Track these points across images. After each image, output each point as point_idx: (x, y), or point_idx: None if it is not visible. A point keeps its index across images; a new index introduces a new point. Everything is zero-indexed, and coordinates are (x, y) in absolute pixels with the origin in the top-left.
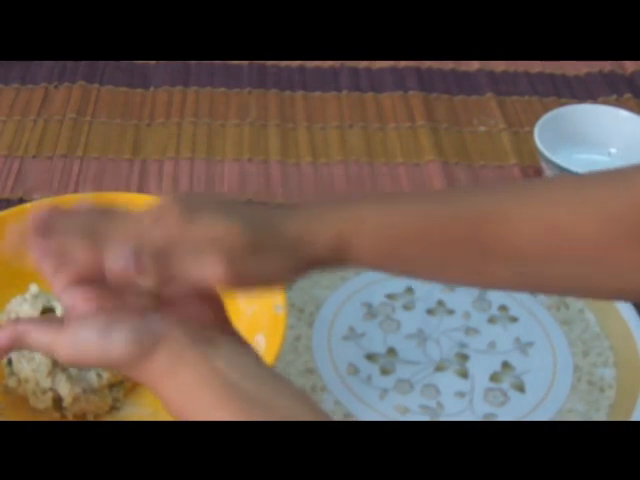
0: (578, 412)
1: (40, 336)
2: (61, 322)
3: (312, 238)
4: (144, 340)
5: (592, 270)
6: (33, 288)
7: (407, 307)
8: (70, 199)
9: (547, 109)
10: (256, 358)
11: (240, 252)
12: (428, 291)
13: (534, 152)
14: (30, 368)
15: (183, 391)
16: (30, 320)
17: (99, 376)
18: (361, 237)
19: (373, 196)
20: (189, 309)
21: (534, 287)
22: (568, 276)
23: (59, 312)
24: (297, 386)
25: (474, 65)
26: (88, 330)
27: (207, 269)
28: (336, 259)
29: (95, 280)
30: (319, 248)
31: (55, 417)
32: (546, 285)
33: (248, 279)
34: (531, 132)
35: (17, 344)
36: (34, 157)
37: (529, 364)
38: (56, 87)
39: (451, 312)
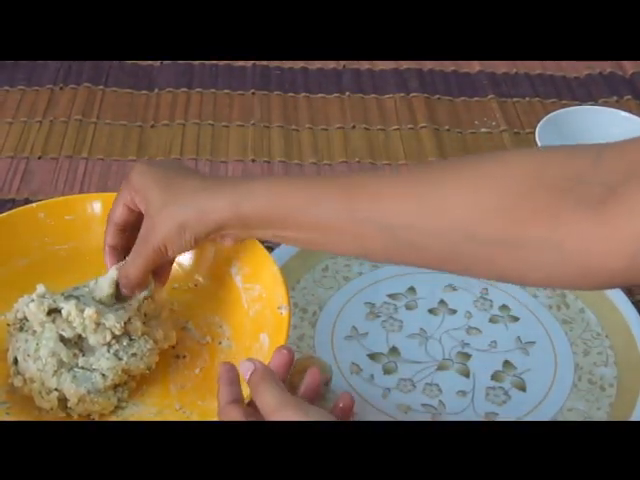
0: (579, 411)
1: (271, 393)
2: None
3: (213, 207)
4: None
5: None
6: (40, 288)
7: (409, 307)
8: (76, 200)
9: (548, 110)
10: None
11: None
12: (430, 291)
13: None
14: (36, 368)
15: None
16: (270, 374)
17: (104, 377)
18: (249, 201)
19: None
20: None
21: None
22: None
23: (65, 312)
24: None
25: (475, 67)
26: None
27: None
28: (237, 225)
29: None
30: (218, 216)
31: (60, 417)
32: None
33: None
34: (532, 133)
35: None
36: (40, 158)
37: (530, 363)
38: (61, 89)
39: (453, 311)
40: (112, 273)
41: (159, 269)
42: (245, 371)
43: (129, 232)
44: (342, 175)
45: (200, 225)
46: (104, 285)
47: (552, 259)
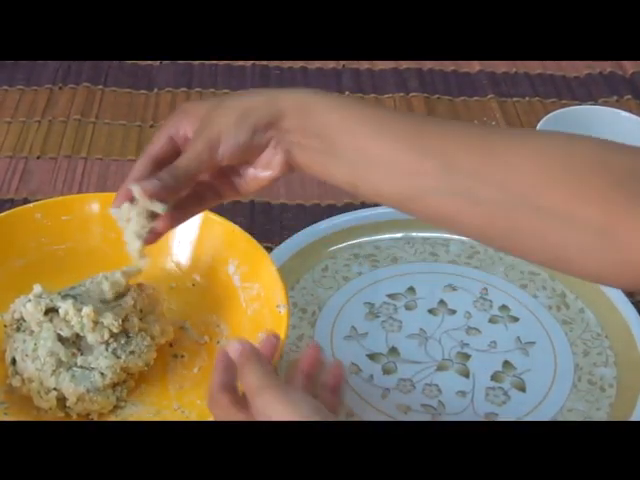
0: (579, 411)
1: (255, 371)
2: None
3: (279, 95)
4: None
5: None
6: (36, 288)
7: (409, 307)
8: (73, 200)
9: (548, 110)
10: None
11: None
12: (430, 291)
13: None
14: (34, 368)
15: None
16: (256, 352)
17: (102, 375)
18: (322, 104)
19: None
20: None
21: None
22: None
23: (62, 312)
24: None
25: (475, 67)
26: (304, 400)
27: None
28: (297, 115)
29: None
30: (283, 102)
31: (59, 416)
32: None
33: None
34: None
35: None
36: (38, 158)
37: (530, 364)
38: (60, 88)
39: (452, 312)
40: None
41: (181, 209)
42: (233, 352)
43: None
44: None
45: (265, 109)
46: (103, 284)
47: (598, 246)
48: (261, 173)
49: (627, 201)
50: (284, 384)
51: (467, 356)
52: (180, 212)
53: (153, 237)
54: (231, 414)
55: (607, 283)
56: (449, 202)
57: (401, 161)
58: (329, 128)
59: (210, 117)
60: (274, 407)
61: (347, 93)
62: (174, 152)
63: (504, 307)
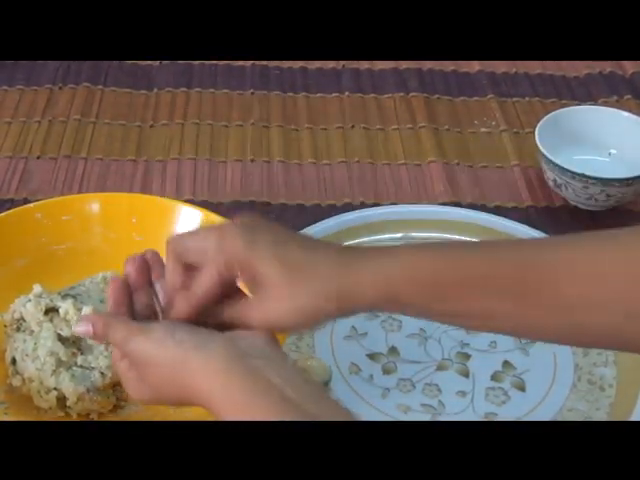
0: (578, 411)
1: (119, 329)
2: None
3: (357, 281)
4: (200, 340)
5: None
6: (36, 288)
7: None
8: (73, 200)
9: (548, 110)
10: (301, 372)
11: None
12: None
13: (535, 153)
14: (34, 367)
15: (238, 403)
16: (116, 315)
17: (103, 375)
18: (407, 283)
19: (410, 245)
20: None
21: (575, 338)
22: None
23: (62, 311)
24: (340, 403)
25: (475, 66)
26: (158, 327)
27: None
28: (385, 304)
29: None
30: (365, 293)
31: (59, 416)
32: (588, 335)
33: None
34: (532, 133)
35: (99, 333)
36: (38, 158)
37: (530, 363)
38: (60, 89)
39: None
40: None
41: None
42: (85, 332)
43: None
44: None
45: (343, 305)
46: (102, 284)
47: None
48: None
49: None
50: (143, 326)
51: (467, 356)
52: None
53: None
54: (120, 370)
55: None
56: (562, 332)
57: (504, 316)
58: (439, 292)
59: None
60: (138, 351)
61: (347, 93)
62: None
63: None
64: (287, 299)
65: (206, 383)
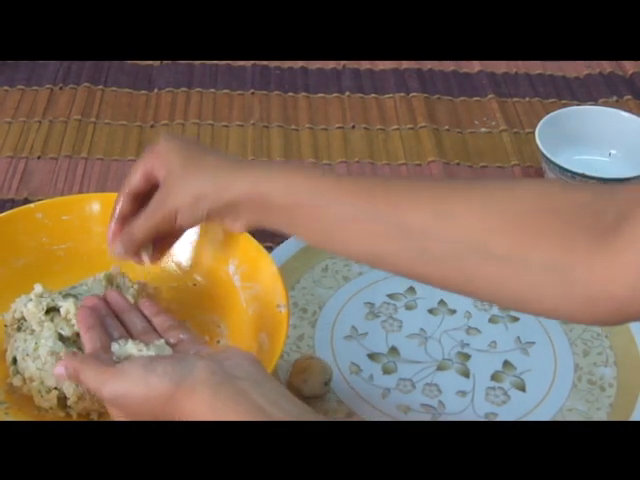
0: (579, 411)
1: (90, 375)
2: (110, 362)
3: (232, 183)
4: (184, 370)
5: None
6: (37, 288)
7: (409, 307)
8: (73, 200)
9: (548, 110)
10: (284, 390)
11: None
12: (430, 291)
13: (535, 153)
14: (35, 367)
15: None
16: (84, 359)
17: None
18: (268, 182)
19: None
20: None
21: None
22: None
23: (63, 311)
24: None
25: (475, 67)
26: (134, 365)
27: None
28: (251, 206)
29: None
30: (235, 192)
31: (60, 416)
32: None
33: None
34: (532, 133)
35: (72, 378)
36: (39, 158)
37: (530, 363)
38: (61, 89)
39: (452, 312)
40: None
41: (162, 241)
42: (60, 375)
43: (139, 203)
44: (358, 175)
45: (216, 198)
46: (101, 282)
47: (556, 285)
48: (230, 227)
49: (583, 235)
50: (113, 367)
51: (467, 356)
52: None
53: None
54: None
55: (566, 319)
56: (407, 262)
57: (356, 228)
58: (284, 207)
59: (172, 186)
60: (120, 391)
61: (347, 93)
62: (150, 186)
63: (504, 308)
64: (183, 186)
65: (193, 410)
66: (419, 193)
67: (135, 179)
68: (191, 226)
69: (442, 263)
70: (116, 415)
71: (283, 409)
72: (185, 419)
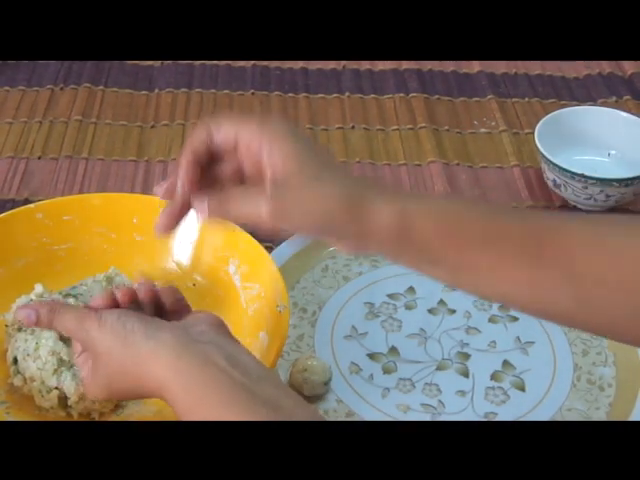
0: (578, 411)
1: (68, 315)
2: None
3: (374, 210)
4: (148, 328)
5: None
6: (38, 288)
7: (408, 307)
8: (74, 200)
9: (547, 111)
10: (253, 356)
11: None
12: (429, 291)
13: (534, 153)
14: (35, 367)
15: (191, 391)
16: (58, 306)
17: None
18: (424, 217)
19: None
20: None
21: (588, 317)
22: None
23: None
24: (283, 384)
25: (475, 67)
26: (109, 313)
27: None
28: (396, 232)
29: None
30: (379, 221)
31: (60, 416)
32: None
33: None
34: (531, 134)
35: (45, 319)
36: (40, 158)
37: (529, 363)
38: (61, 89)
39: (452, 311)
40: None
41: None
42: (26, 317)
43: (200, 168)
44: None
45: (350, 220)
46: (101, 282)
47: None
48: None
49: None
50: (91, 312)
51: (467, 356)
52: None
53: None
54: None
55: None
56: (579, 310)
57: (517, 276)
58: (437, 249)
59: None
60: (94, 337)
61: (347, 94)
62: (225, 154)
63: (503, 307)
64: (302, 200)
65: (158, 372)
66: (589, 232)
67: (223, 133)
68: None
69: (622, 311)
70: (85, 368)
71: (245, 371)
72: (149, 380)
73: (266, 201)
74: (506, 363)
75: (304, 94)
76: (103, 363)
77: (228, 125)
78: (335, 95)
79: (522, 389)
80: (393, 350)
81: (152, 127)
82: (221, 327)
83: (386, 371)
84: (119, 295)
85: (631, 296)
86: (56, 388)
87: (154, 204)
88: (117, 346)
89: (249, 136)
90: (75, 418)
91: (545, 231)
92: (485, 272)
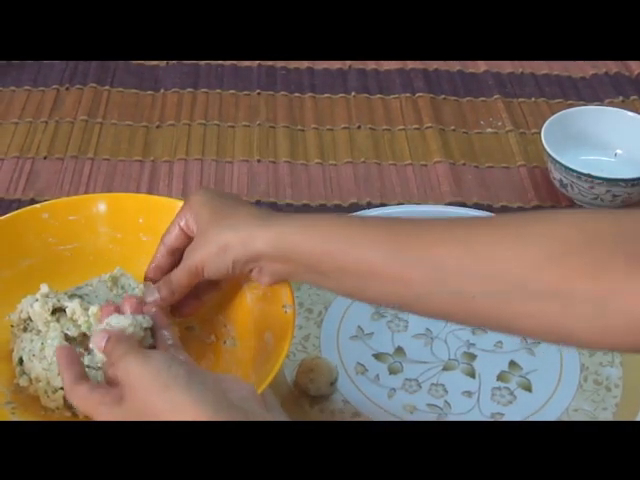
0: (584, 411)
1: (118, 348)
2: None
3: (257, 234)
4: (193, 379)
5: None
6: (43, 288)
7: None
8: (80, 200)
9: (554, 111)
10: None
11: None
12: None
13: (541, 153)
14: (41, 367)
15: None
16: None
17: None
18: (293, 234)
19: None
20: None
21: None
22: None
23: (69, 311)
24: None
25: (481, 67)
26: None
27: None
28: (278, 258)
29: None
30: (260, 243)
31: (66, 416)
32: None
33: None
34: (538, 133)
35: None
36: (45, 158)
37: (536, 363)
38: (67, 89)
39: None
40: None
41: (197, 292)
42: (99, 341)
43: (177, 257)
44: (383, 218)
45: (242, 249)
46: (106, 283)
47: (599, 316)
48: (259, 277)
49: (625, 265)
50: (142, 349)
51: (473, 356)
52: (198, 301)
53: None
54: (91, 401)
55: (608, 349)
56: (443, 302)
57: (386, 274)
58: (310, 258)
59: (198, 240)
60: (131, 370)
61: (353, 94)
62: (187, 239)
63: None
64: (210, 237)
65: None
66: (452, 232)
67: (172, 234)
68: (217, 277)
69: (482, 302)
70: (109, 391)
71: None
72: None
73: (185, 263)
74: (512, 363)
75: (310, 94)
76: (132, 395)
77: (173, 225)
78: (341, 95)
79: (529, 389)
80: (399, 350)
81: (158, 127)
82: (257, 397)
83: (392, 371)
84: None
85: (489, 286)
86: (61, 388)
87: (160, 204)
88: (153, 385)
89: (183, 220)
90: (81, 419)
91: (405, 230)
92: (361, 275)
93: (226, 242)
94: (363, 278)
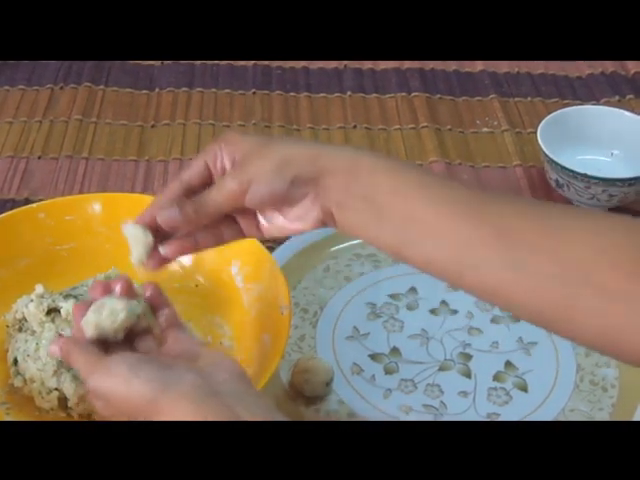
0: (581, 412)
1: (80, 360)
2: (101, 353)
3: (329, 154)
4: (169, 380)
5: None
6: (38, 288)
7: (410, 307)
8: (76, 200)
9: (550, 110)
10: (273, 409)
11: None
12: (431, 291)
13: (537, 153)
14: (36, 368)
15: None
16: (76, 342)
17: None
18: (374, 161)
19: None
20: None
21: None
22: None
23: (64, 312)
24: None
25: (477, 66)
26: (120, 364)
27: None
28: (345, 179)
29: None
30: (334, 160)
31: (61, 417)
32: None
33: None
34: (534, 133)
35: (64, 359)
36: (40, 158)
37: (532, 364)
38: (62, 88)
39: (454, 312)
40: (111, 272)
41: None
42: (54, 351)
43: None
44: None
45: (308, 164)
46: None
47: None
48: (290, 225)
49: None
50: (102, 360)
51: (469, 356)
52: (192, 242)
53: (160, 262)
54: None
55: None
56: (503, 273)
57: (454, 230)
58: (378, 191)
59: (250, 157)
60: (104, 387)
61: (349, 93)
62: (207, 180)
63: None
64: (264, 153)
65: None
66: (526, 206)
67: (193, 169)
68: (260, 203)
69: (544, 282)
70: (97, 405)
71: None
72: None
73: (230, 176)
74: (508, 364)
75: (306, 93)
76: (115, 406)
77: (196, 159)
78: (337, 94)
79: (525, 390)
80: (395, 351)
81: (153, 127)
82: (242, 377)
83: (388, 372)
84: (117, 289)
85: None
86: (56, 389)
87: None
88: (128, 396)
89: (212, 154)
90: (75, 419)
91: (484, 194)
92: (431, 226)
93: (289, 156)
94: (430, 232)
